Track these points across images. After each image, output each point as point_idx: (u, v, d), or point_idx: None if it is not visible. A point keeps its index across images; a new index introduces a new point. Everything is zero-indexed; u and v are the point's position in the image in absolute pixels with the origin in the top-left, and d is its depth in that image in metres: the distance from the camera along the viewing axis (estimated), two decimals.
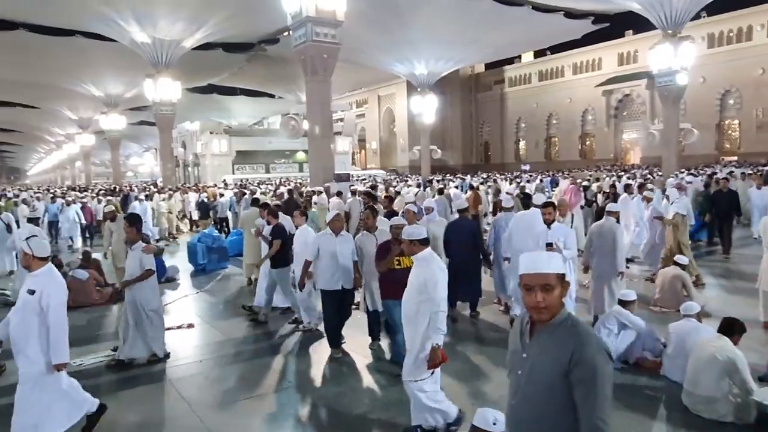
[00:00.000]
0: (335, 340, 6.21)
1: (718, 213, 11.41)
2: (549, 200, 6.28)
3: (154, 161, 57.51)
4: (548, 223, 5.36)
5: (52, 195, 20.91)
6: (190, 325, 7.56)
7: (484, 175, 32.79)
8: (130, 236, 5.97)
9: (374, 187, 20.47)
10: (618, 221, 7.02)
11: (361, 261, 6.16)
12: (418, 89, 39.93)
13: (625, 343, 5.46)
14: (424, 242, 4.23)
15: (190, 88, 38.99)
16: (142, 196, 17.65)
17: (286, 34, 28.33)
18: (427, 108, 40.03)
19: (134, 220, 6.06)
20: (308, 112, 22.02)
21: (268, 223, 7.70)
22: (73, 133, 54.73)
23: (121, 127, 41.85)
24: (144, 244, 6.01)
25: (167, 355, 6.15)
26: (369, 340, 6.42)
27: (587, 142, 56.46)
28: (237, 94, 48.46)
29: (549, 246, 5.23)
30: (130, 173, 78.92)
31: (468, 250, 7.20)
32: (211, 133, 49.72)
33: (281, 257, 7.29)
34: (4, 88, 40.01)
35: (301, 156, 46.92)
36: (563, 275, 2.05)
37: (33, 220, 9.54)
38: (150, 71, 29.16)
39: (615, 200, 11.80)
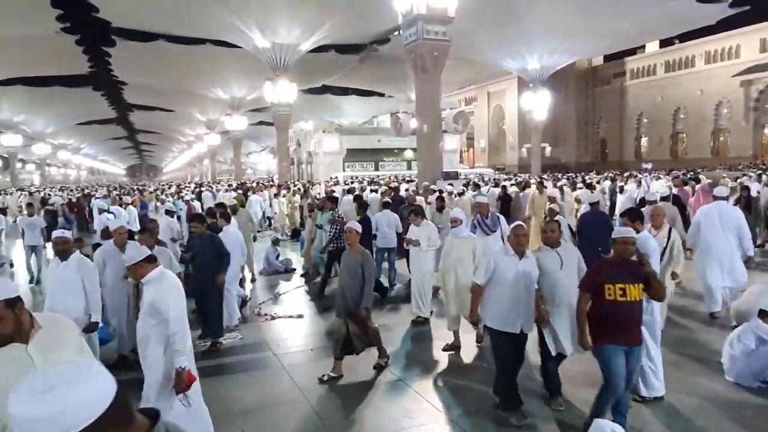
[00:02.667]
0: (512, 403, 4.42)
1: None
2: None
3: (271, 159, 61.00)
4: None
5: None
6: (300, 316, 7.95)
7: (626, 174, 30.59)
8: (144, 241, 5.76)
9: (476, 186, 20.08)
10: None
11: (540, 287, 4.52)
12: (530, 85, 38.57)
13: (765, 360, 4.89)
14: (151, 260, 3.82)
15: (305, 90, 40.75)
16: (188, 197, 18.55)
17: (396, 33, 28.65)
18: (539, 104, 38.58)
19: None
20: (417, 110, 22.11)
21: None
22: (202, 134, 59.67)
23: (243, 128, 44.89)
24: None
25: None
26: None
27: (720, 138, 51.23)
28: (349, 93, 49.86)
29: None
30: (249, 170, 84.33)
31: (601, 240, 6.72)
32: (323, 131, 51.79)
33: None
34: (145, 94, 44.68)
35: (409, 154, 47.30)
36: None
37: (169, 213, 10.43)
38: (269, 74, 30.93)
39: (748, 206, 10.61)
